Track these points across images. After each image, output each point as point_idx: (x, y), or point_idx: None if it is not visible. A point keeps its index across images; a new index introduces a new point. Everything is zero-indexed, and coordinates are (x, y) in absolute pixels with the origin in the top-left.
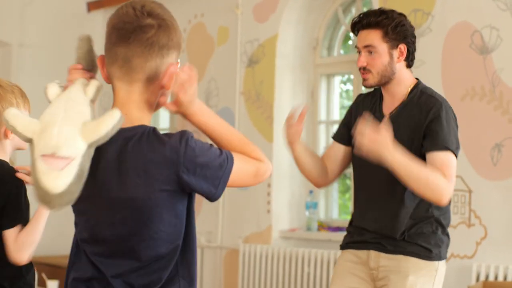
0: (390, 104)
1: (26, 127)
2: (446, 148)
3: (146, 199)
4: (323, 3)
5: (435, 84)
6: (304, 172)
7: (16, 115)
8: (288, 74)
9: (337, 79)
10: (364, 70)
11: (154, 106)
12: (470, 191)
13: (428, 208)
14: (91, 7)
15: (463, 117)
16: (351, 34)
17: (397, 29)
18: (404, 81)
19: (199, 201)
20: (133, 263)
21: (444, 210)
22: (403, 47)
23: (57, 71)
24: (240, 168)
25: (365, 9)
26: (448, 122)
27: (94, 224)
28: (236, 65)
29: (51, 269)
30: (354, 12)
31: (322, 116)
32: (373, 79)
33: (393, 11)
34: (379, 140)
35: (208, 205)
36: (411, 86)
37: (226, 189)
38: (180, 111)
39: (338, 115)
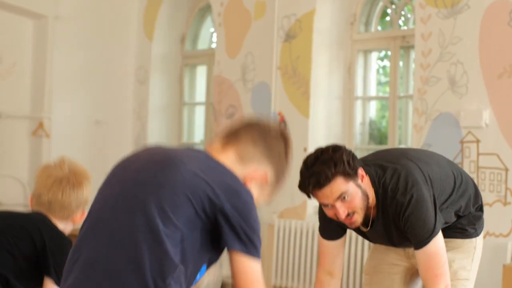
0: (366, 222)
1: None
2: (423, 243)
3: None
4: None
5: (472, 61)
6: None
7: None
8: (325, 49)
9: (374, 55)
10: (347, 216)
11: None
12: (506, 169)
13: (465, 211)
14: None
15: (500, 95)
16: (389, 10)
17: (350, 163)
18: (370, 194)
19: None
20: None
21: (473, 190)
22: (360, 170)
23: (92, 43)
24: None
25: None
26: (416, 216)
27: None
28: (273, 40)
29: None
30: None
31: (359, 92)
32: (360, 216)
33: (329, 150)
34: None
35: None
36: (373, 191)
37: None
38: None
39: (374, 91)
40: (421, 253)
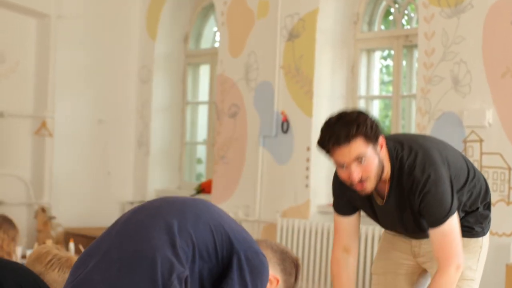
0: (380, 193)
1: None
2: (439, 222)
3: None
4: None
5: (475, 60)
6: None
7: None
8: (328, 48)
9: (378, 54)
10: (360, 181)
11: None
12: (509, 168)
13: (473, 205)
14: None
15: (503, 94)
16: (392, 9)
17: (373, 127)
18: (386, 166)
19: (237, 174)
20: None
21: (483, 186)
22: (381, 139)
23: (95, 42)
24: None
25: None
26: (434, 194)
27: None
28: (276, 39)
29: (88, 240)
30: None
31: (362, 91)
32: (371, 184)
33: (353, 112)
34: None
35: (246, 179)
36: (389, 164)
37: (265, 163)
38: None
39: (378, 90)
40: (435, 232)
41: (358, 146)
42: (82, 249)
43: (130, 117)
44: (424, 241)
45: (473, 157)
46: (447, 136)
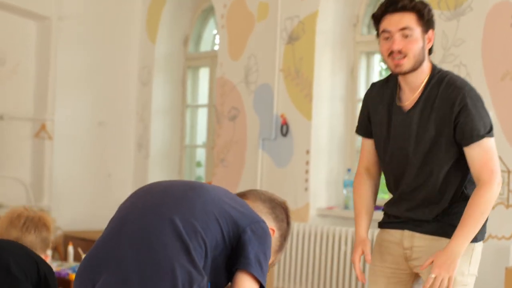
0: (407, 94)
1: None
2: (480, 136)
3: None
4: None
5: (475, 63)
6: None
7: None
8: (328, 51)
9: (377, 57)
10: (399, 53)
11: None
12: (509, 171)
13: (464, 190)
14: None
15: (502, 97)
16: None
17: (429, 14)
18: (425, 68)
19: (236, 177)
20: None
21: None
22: (431, 33)
23: (96, 44)
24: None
25: None
26: (475, 107)
27: None
28: (275, 42)
29: (87, 244)
30: None
31: (362, 94)
32: (408, 63)
33: None
34: (446, 262)
35: (245, 182)
36: (428, 74)
37: (264, 166)
38: None
39: None
40: (476, 148)
41: (410, 19)
42: (81, 252)
43: (130, 119)
44: (417, 235)
45: None
46: None
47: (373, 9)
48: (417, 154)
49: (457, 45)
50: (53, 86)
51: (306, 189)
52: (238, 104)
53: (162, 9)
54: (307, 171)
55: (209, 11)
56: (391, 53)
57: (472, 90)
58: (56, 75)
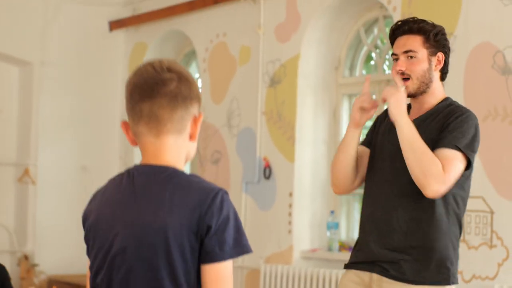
0: (417, 112)
1: None
2: (455, 146)
3: (164, 224)
4: (345, 23)
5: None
6: (339, 167)
7: None
8: (310, 94)
9: None
10: (402, 75)
11: (184, 157)
12: (492, 212)
13: (444, 227)
14: (113, 26)
15: (484, 138)
16: (373, 54)
17: (437, 36)
18: (436, 93)
19: None
20: None
21: (460, 224)
22: (441, 55)
23: (78, 89)
24: (230, 272)
25: (387, 30)
26: (467, 125)
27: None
28: (258, 85)
29: None
30: (376, 32)
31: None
32: (412, 86)
33: (430, 22)
34: (398, 96)
35: None
36: (441, 99)
37: (248, 209)
38: None
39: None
40: (439, 151)
41: (414, 42)
42: None
43: (114, 163)
44: (385, 279)
45: None
46: None
47: (355, 52)
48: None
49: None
50: (35, 131)
51: (289, 231)
52: (221, 148)
53: (145, 53)
54: (290, 214)
55: (191, 55)
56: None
57: (475, 119)
58: (39, 120)
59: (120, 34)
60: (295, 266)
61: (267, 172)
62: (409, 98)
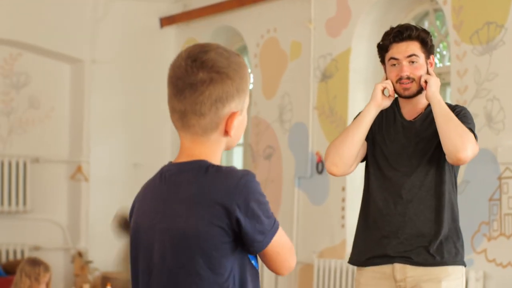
0: (411, 112)
1: None
2: (471, 130)
3: (195, 231)
4: (395, 17)
5: (508, 97)
6: (347, 144)
7: None
8: (361, 88)
9: None
10: (407, 79)
11: (219, 152)
12: None
13: (455, 211)
14: (164, 22)
15: None
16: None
17: (431, 41)
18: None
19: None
20: None
21: (458, 216)
22: (432, 58)
23: (129, 87)
24: (282, 236)
25: (438, 23)
26: (471, 118)
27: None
28: (309, 80)
29: (125, 285)
30: (427, 25)
31: None
32: (415, 87)
33: (419, 27)
34: (437, 79)
35: (282, 219)
36: None
37: (301, 204)
38: None
39: None
40: None
41: (415, 47)
42: None
43: (166, 160)
44: (409, 266)
45: (508, 193)
46: (482, 174)
47: None
48: (416, 152)
49: (490, 80)
50: (88, 128)
51: (342, 225)
52: (273, 143)
53: None
54: (343, 208)
55: (242, 51)
56: (400, 79)
57: (467, 110)
58: (91, 117)
59: (171, 31)
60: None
61: (319, 166)
62: (402, 99)
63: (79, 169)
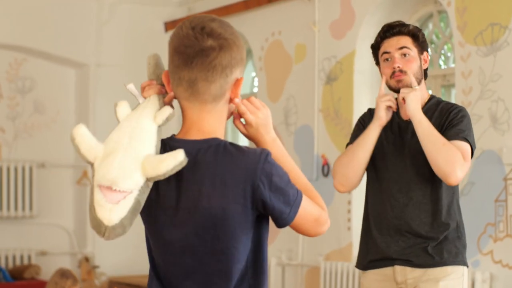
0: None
1: (89, 150)
2: (465, 139)
3: (219, 210)
4: (399, 18)
5: None
6: (354, 165)
7: (83, 135)
8: (366, 90)
9: None
10: (400, 72)
11: (224, 121)
12: None
13: (452, 213)
14: (168, 26)
15: None
16: (428, 50)
17: (423, 37)
18: (423, 90)
19: None
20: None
21: (460, 216)
22: (426, 54)
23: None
24: (306, 207)
25: (442, 25)
26: (468, 121)
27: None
28: (314, 82)
29: None
30: (431, 28)
31: None
32: (408, 80)
33: (411, 24)
34: (415, 94)
35: None
36: (428, 97)
37: None
38: (249, 133)
39: None
40: (454, 144)
41: (406, 40)
42: None
43: None
44: (409, 269)
45: None
46: (488, 175)
47: None
48: (413, 153)
49: (495, 81)
50: (93, 132)
51: (348, 228)
52: None
53: None
54: (349, 211)
55: (247, 54)
56: (393, 73)
57: (464, 109)
58: (96, 121)
59: None
60: (355, 262)
61: (325, 169)
62: (399, 98)
63: (85, 174)
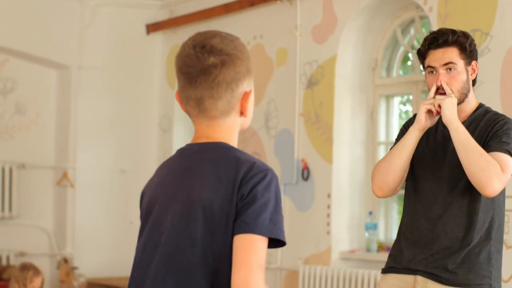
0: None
1: None
2: (506, 151)
3: (209, 204)
4: (382, 23)
5: (494, 104)
6: (391, 170)
7: None
8: (347, 95)
9: (397, 100)
10: (444, 89)
11: (236, 133)
12: None
13: (488, 231)
14: (150, 29)
15: None
16: (410, 55)
17: (471, 46)
18: (471, 101)
19: None
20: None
21: (499, 236)
22: (475, 64)
23: (116, 93)
24: (263, 248)
25: (424, 30)
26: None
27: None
28: (295, 87)
29: None
30: (412, 33)
31: (382, 137)
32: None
33: (460, 30)
34: (451, 101)
35: None
36: (476, 106)
37: (286, 210)
38: None
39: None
40: (492, 155)
41: (452, 53)
42: None
43: (152, 166)
44: (430, 283)
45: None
46: None
47: (391, 52)
48: (452, 162)
49: (476, 87)
50: (74, 134)
51: (328, 232)
52: (259, 150)
53: None
54: (328, 215)
55: None
56: (438, 88)
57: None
58: (77, 123)
59: (157, 37)
60: (334, 267)
61: (305, 173)
62: None
63: (65, 175)
